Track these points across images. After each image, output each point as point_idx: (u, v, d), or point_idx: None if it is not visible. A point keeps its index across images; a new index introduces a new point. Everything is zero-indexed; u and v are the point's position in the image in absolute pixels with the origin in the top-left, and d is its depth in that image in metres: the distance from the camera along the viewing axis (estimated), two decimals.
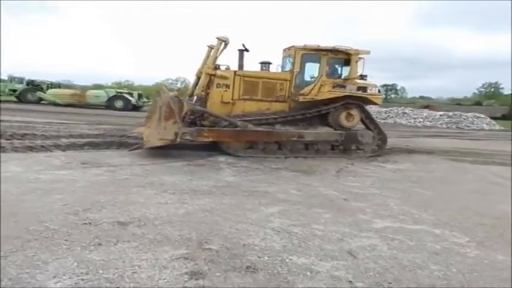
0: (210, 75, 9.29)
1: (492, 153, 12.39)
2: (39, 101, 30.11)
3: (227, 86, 9.40)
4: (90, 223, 3.88)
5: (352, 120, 9.77)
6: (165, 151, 8.37)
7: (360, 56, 9.67)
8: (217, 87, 9.36)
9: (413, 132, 22.03)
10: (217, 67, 9.44)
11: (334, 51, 9.65)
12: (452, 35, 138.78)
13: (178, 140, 8.06)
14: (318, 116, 9.70)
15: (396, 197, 5.84)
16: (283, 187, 6.09)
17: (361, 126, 10.40)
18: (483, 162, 10.24)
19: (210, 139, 8.65)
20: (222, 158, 8.50)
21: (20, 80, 31.20)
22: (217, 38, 9.13)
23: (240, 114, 9.37)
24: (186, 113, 8.53)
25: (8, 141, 8.82)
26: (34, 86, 31.25)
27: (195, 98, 9.59)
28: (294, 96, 9.66)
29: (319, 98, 9.55)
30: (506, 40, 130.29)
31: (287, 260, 3.27)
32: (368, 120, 10.23)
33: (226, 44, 9.14)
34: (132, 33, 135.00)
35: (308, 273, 3.06)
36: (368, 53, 9.75)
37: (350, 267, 3.23)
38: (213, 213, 4.51)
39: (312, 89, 9.60)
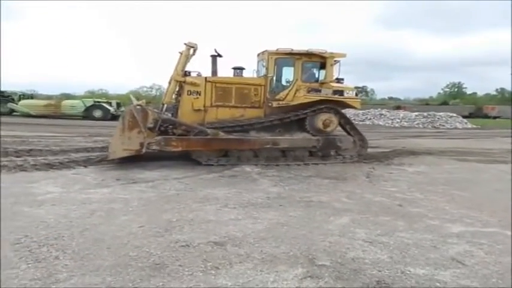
0: (180, 82, 9.07)
1: (486, 152, 13.07)
2: (10, 112, 28.69)
3: (198, 93, 9.13)
4: (187, 245, 3.76)
5: (330, 125, 9.47)
6: (186, 162, 8.26)
7: (335, 59, 9.53)
8: (187, 94, 9.10)
9: (395, 133, 22.81)
10: (187, 74, 9.17)
11: (308, 54, 9.45)
12: (414, 37, 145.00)
13: (143, 150, 7.87)
14: (295, 122, 9.46)
15: (444, 201, 6.05)
16: (333, 196, 6.15)
17: (341, 131, 10.18)
18: (487, 161, 10.78)
19: (180, 148, 8.34)
20: (248, 168, 8.44)
21: None
22: (185, 44, 8.92)
23: (213, 121, 9.13)
24: (156, 122, 8.23)
25: (20, 159, 8.39)
26: (4, 97, 29.70)
27: (164, 106, 9.31)
28: (269, 101, 9.42)
29: (294, 102, 9.33)
30: (466, 41, 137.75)
31: (407, 272, 3.32)
32: (347, 124, 9.96)
33: (195, 50, 8.97)
34: (105, 39, 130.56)
35: (438, 284, 3.13)
36: (344, 56, 9.58)
37: (469, 275, 3.33)
38: (292, 227, 4.49)
39: (288, 93, 9.42)
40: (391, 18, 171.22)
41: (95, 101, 29.48)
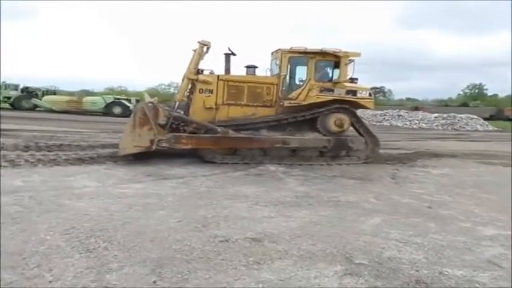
0: (192, 80, 9.13)
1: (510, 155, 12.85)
2: (34, 108, 29.49)
3: (210, 91, 9.17)
4: (226, 240, 3.88)
5: (342, 126, 9.35)
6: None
7: (349, 58, 9.44)
8: (199, 92, 9.15)
9: (415, 135, 22.58)
10: (199, 72, 9.21)
11: (322, 53, 9.37)
12: (434, 36, 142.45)
13: (154, 147, 7.93)
14: (306, 121, 9.40)
15: (473, 203, 6.03)
16: (360, 196, 6.19)
17: (353, 132, 10.02)
18: None
19: (189, 146, 8.37)
20: (272, 167, 8.53)
21: (15, 87, 30.41)
22: (199, 42, 8.98)
23: (225, 119, 9.15)
24: (168, 119, 8.41)
25: (52, 153, 8.65)
26: (29, 92, 30.56)
27: (177, 103, 9.38)
28: (281, 100, 9.41)
29: (306, 102, 9.27)
30: (487, 42, 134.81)
31: (445, 273, 3.37)
32: (359, 125, 9.81)
33: (208, 48, 9.02)
34: (123, 37, 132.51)
35: (477, 286, 3.17)
36: (358, 55, 9.48)
37: (507, 278, 3.35)
38: (325, 226, 4.57)
39: (300, 93, 9.36)
40: (409, 18, 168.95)
41: (115, 98, 30.05)
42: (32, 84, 31.91)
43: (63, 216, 4.34)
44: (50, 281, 2.84)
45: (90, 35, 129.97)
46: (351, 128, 9.93)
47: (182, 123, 8.80)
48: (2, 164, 7.14)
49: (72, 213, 4.46)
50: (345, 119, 9.38)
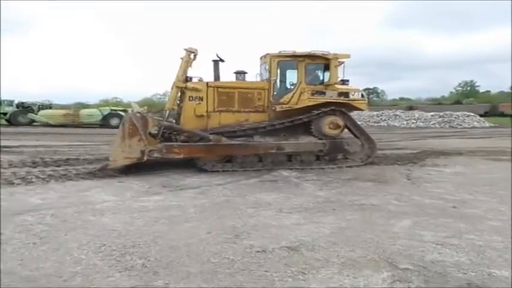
0: (181, 88, 9.01)
1: None
2: (30, 122, 29.25)
3: (200, 99, 9.06)
4: (263, 251, 3.80)
5: (336, 128, 9.25)
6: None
7: (339, 60, 9.40)
8: (189, 100, 9.03)
9: (414, 134, 22.69)
10: (188, 79, 9.11)
11: (311, 56, 9.31)
12: (424, 36, 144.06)
13: (145, 157, 7.73)
14: (300, 126, 9.28)
15: (495, 201, 6.00)
16: (382, 199, 6.14)
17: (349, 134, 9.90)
18: None
19: (181, 155, 8.18)
20: (285, 173, 8.47)
21: (10, 103, 30.15)
22: (185, 49, 8.86)
23: (217, 127, 9.03)
24: (159, 129, 8.31)
25: (61, 168, 8.52)
26: (24, 107, 30.31)
27: (167, 112, 9.15)
28: (273, 105, 9.32)
29: (298, 106, 9.19)
30: (477, 39, 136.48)
31: (494, 274, 3.32)
32: (353, 127, 9.72)
33: (195, 55, 8.92)
34: (116, 48, 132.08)
35: None
36: (348, 56, 9.48)
37: None
38: (355, 230, 4.51)
39: (292, 97, 9.29)
40: (400, 18, 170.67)
41: (111, 109, 29.86)
42: (23, 99, 31.60)
43: (91, 233, 4.22)
44: None
45: (81, 48, 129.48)
46: (347, 131, 9.81)
47: (174, 132, 8.71)
48: (14, 181, 7.00)
49: (99, 230, 4.35)
50: (339, 121, 9.28)
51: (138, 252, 3.72)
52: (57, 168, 8.59)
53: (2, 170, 8.10)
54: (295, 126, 9.22)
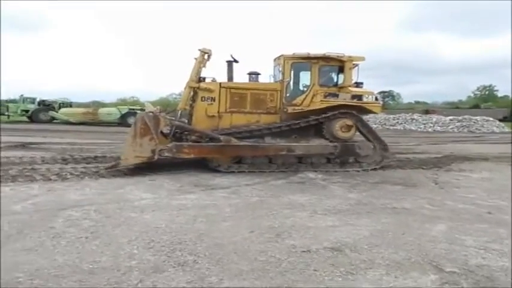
0: (194, 88, 9.04)
1: None
2: (51, 120, 29.88)
3: (212, 99, 9.07)
4: (308, 251, 3.88)
5: (348, 131, 9.16)
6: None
7: (354, 62, 9.34)
8: (201, 100, 9.05)
9: (433, 138, 22.43)
10: (201, 80, 9.13)
11: (325, 58, 9.26)
12: (441, 39, 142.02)
13: (156, 157, 7.76)
14: (312, 128, 9.26)
15: None
16: (414, 203, 6.14)
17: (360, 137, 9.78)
18: None
19: (192, 156, 8.21)
20: (311, 175, 8.53)
21: (32, 100, 30.88)
22: (199, 49, 8.89)
23: (228, 127, 9.01)
24: (171, 128, 8.35)
25: (92, 165, 8.74)
26: (46, 105, 31.01)
27: (179, 112, 9.29)
28: (285, 107, 9.29)
29: (310, 108, 9.15)
30: (495, 43, 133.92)
31: None
32: (366, 130, 9.59)
33: (209, 56, 8.93)
34: (132, 48, 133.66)
35: None
36: (363, 59, 9.42)
37: None
38: (394, 233, 4.55)
39: (305, 99, 9.25)
40: (417, 21, 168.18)
41: (129, 109, 30.28)
42: (41, 96, 32.25)
43: (137, 230, 4.36)
44: None
45: (99, 47, 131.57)
46: (358, 134, 9.70)
47: (186, 132, 8.75)
48: (51, 177, 7.22)
49: (144, 226, 4.48)
50: (351, 124, 9.19)
51: (186, 248, 3.83)
52: (87, 165, 8.82)
53: (36, 166, 8.36)
54: (306, 128, 9.21)
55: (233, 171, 8.52)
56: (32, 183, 6.70)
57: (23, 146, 12.68)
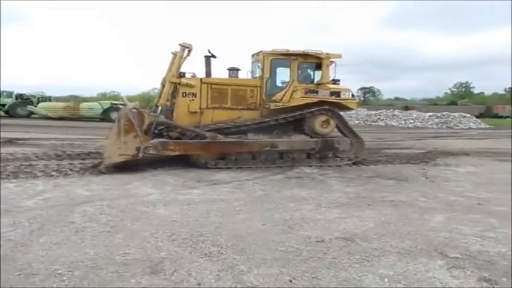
0: (175, 83, 8.93)
1: None
2: (29, 115, 29.09)
3: (194, 95, 9.04)
4: (322, 241, 4.13)
5: (327, 127, 9.44)
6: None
7: (331, 60, 9.53)
8: (183, 96, 8.99)
9: (415, 134, 23.17)
10: (182, 75, 9.05)
11: (304, 55, 9.41)
12: (419, 36, 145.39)
13: (140, 154, 7.68)
14: (291, 123, 9.44)
15: None
16: (408, 196, 6.49)
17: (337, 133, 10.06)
18: None
19: (177, 152, 8.20)
20: (307, 170, 8.80)
21: (9, 94, 29.86)
22: (180, 44, 8.78)
23: (209, 123, 9.01)
24: (151, 125, 8.16)
25: (88, 161, 8.72)
26: (24, 99, 30.05)
27: (159, 108, 9.16)
28: (265, 103, 9.43)
29: (291, 104, 9.28)
30: (472, 40, 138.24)
31: None
32: (343, 126, 9.89)
33: (190, 51, 8.81)
34: (114, 42, 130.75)
35: None
36: (339, 56, 9.63)
37: None
38: (398, 225, 4.85)
39: (284, 95, 9.39)
40: (397, 18, 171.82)
41: (112, 103, 29.78)
42: (16, 90, 31.26)
43: (156, 223, 4.50)
44: (199, 284, 3.02)
45: (78, 42, 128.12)
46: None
47: (165, 129, 8.60)
48: (52, 173, 7.22)
49: (161, 220, 4.63)
50: (331, 120, 9.48)
51: (208, 240, 4.01)
52: (83, 161, 8.81)
53: (33, 162, 8.30)
54: (286, 124, 9.38)
55: (230, 167, 8.63)
56: (34, 180, 6.70)
57: (10, 141, 12.43)
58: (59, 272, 3.11)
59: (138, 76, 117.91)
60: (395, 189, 7.01)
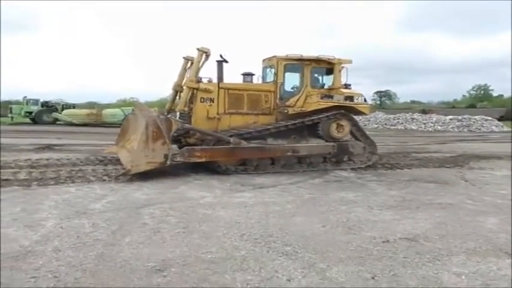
0: (193, 89, 8.96)
1: None
2: (54, 121, 29.95)
3: (211, 100, 9.03)
4: (387, 241, 4.28)
5: (343, 131, 9.57)
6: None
7: (342, 65, 9.70)
8: (201, 101, 8.96)
9: (438, 138, 23.00)
10: (199, 80, 9.09)
11: (317, 60, 9.58)
12: (436, 39, 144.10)
13: (168, 162, 7.60)
14: (306, 128, 9.49)
15: None
16: (454, 199, 6.58)
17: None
18: None
19: (203, 159, 8.16)
20: (344, 173, 8.95)
21: (35, 102, 30.90)
22: (198, 49, 8.82)
23: (226, 129, 9.00)
24: (177, 131, 8.15)
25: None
26: (49, 107, 31.05)
27: (177, 114, 9.10)
28: (279, 108, 9.53)
29: (309, 109, 9.38)
30: (490, 43, 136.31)
31: None
32: (356, 129, 9.99)
33: (207, 56, 8.86)
34: (131, 48, 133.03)
35: None
36: (350, 62, 9.80)
37: None
38: (454, 226, 4.96)
39: (298, 100, 9.50)
40: (412, 21, 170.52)
41: (133, 110, 30.35)
42: (37, 97, 32.14)
43: (221, 225, 4.72)
44: (288, 280, 3.22)
45: (97, 47, 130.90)
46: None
47: (184, 134, 8.67)
48: (103, 178, 7.52)
49: (225, 222, 4.84)
50: (346, 124, 9.60)
51: (278, 240, 4.20)
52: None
53: (82, 168, 8.63)
54: (301, 129, 9.47)
55: (261, 172, 8.70)
56: (90, 184, 7.00)
57: (48, 147, 12.92)
58: (156, 268, 3.34)
59: (155, 82, 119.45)
60: (438, 193, 7.09)
